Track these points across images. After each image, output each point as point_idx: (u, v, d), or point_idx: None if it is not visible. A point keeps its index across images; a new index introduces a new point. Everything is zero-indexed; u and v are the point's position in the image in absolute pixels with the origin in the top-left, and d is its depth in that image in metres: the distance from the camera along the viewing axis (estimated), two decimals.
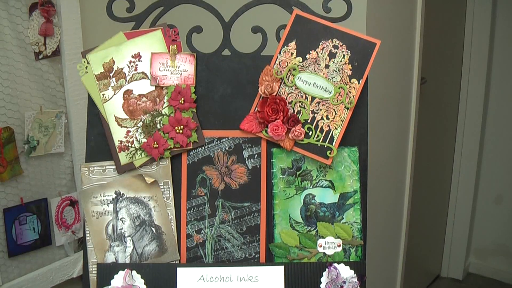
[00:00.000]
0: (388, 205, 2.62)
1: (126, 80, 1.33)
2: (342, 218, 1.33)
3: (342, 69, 1.31)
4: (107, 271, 1.30)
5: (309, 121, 1.31)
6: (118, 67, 1.33)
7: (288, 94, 1.32)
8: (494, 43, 3.55)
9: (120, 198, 1.31)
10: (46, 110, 1.91)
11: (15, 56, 1.77)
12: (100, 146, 1.33)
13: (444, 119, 3.56)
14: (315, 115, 1.31)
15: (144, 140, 1.32)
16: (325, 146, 1.31)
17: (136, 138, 1.32)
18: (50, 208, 1.94)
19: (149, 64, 1.34)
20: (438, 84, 3.27)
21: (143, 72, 1.33)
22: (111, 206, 1.32)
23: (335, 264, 1.30)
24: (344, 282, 1.30)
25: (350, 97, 1.31)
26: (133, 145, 1.32)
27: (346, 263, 1.31)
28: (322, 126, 1.31)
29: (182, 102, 1.31)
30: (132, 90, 1.33)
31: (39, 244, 1.93)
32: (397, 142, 2.62)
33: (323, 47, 1.32)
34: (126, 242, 1.31)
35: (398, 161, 2.66)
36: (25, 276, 1.89)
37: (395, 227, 2.77)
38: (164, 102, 1.33)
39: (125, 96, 1.33)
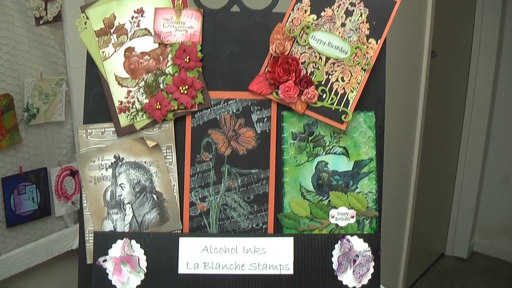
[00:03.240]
0: (395, 182, 2.53)
1: (127, 37, 1.22)
2: (356, 187, 1.21)
3: (359, 28, 1.19)
4: (105, 240, 1.20)
5: (323, 83, 1.20)
6: (119, 23, 1.22)
7: (301, 54, 1.20)
8: (505, 17, 3.45)
9: (120, 163, 1.20)
10: (46, 77, 1.82)
11: (15, 21, 1.68)
12: (98, 107, 1.23)
13: (453, 94, 3.49)
14: (330, 77, 1.19)
15: (146, 100, 1.21)
16: (340, 110, 1.19)
17: (138, 98, 1.21)
18: (49, 178, 1.85)
19: (152, 20, 1.22)
20: (448, 58, 3.19)
21: (146, 29, 1.23)
22: (110, 171, 1.21)
23: (348, 237, 1.18)
24: (357, 256, 1.18)
25: (367, 58, 1.19)
26: (134, 106, 1.21)
27: (359, 236, 1.19)
28: (337, 89, 1.19)
29: (187, 60, 1.19)
30: (134, 48, 1.23)
31: (38, 215, 1.84)
32: (405, 116, 2.54)
33: (339, 4, 1.20)
34: (125, 210, 1.20)
35: (405, 136, 2.58)
36: (24, 247, 1.81)
37: (401, 205, 2.70)
38: (168, 61, 1.22)
39: (127, 53, 1.23)
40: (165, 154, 1.22)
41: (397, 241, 2.78)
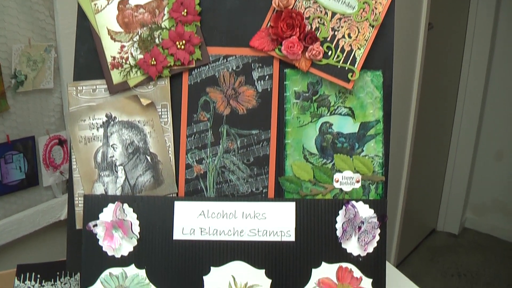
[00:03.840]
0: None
1: None
2: (362, 150, 1.14)
3: None
4: (95, 203, 1.12)
5: (328, 39, 1.12)
6: None
7: (305, 9, 1.12)
8: None
9: (112, 122, 1.13)
10: (34, 44, 1.74)
11: None
12: (90, 63, 1.16)
13: (448, 68, 3.45)
14: (336, 33, 1.12)
15: (141, 56, 1.14)
16: (346, 68, 1.11)
17: (132, 54, 1.14)
18: (37, 147, 1.77)
19: None
20: (444, 30, 3.14)
21: None
22: (101, 130, 1.14)
23: (353, 202, 1.11)
24: (363, 222, 1.11)
25: (376, 13, 1.11)
26: (127, 62, 1.14)
27: (365, 201, 1.12)
28: (343, 46, 1.12)
29: (185, 14, 1.12)
30: (128, 0, 1.15)
31: (25, 185, 1.76)
32: (401, 88, 2.47)
33: None
34: (117, 172, 1.12)
35: (400, 110, 2.53)
36: (10, 217, 1.74)
37: (395, 180, 2.66)
38: (164, 14, 1.15)
39: (120, 6, 1.15)
40: (160, 113, 1.15)
41: (389, 216, 2.72)
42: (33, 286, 1.28)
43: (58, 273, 1.31)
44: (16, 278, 1.29)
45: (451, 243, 3.79)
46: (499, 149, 3.68)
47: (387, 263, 1.15)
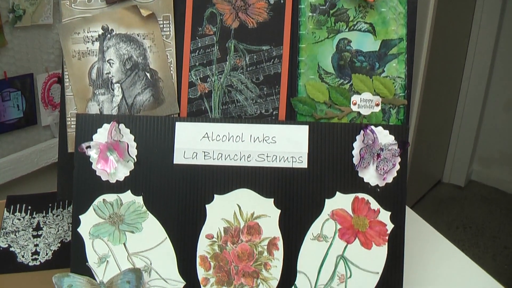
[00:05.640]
0: None
1: None
2: (383, 71, 1.01)
3: None
4: (89, 123, 1.00)
5: None
6: None
7: None
8: None
9: (108, 35, 1.00)
10: None
11: None
12: None
13: (460, 19, 3.31)
14: None
15: None
16: None
17: None
18: (36, 85, 1.70)
19: None
20: None
21: None
22: (97, 44, 1.02)
23: (372, 127, 0.98)
24: (382, 150, 0.97)
25: None
26: None
27: (385, 126, 0.99)
28: None
29: None
30: None
31: (23, 123, 1.68)
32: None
33: None
34: (113, 90, 1.00)
35: None
36: (8, 157, 1.72)
37: None
38: None
39: None
40: (161, 25, 1.03)
41: None
42: (23, 217, 1.17)
43: (50, 204, 1.20)
44: (5, 209, 1.17)
45: (456, 195, 3.70)
46: (508, 98, 3.55)
47: None
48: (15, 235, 1.14)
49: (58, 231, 1.16)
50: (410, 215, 1.30)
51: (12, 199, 1.20)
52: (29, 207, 1.19)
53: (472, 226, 3.37)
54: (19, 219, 1.16)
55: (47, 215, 1.18)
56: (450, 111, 3.69)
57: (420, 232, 1.29)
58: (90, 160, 0.98)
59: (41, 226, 1.16)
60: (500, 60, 3.52)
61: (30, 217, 1.17)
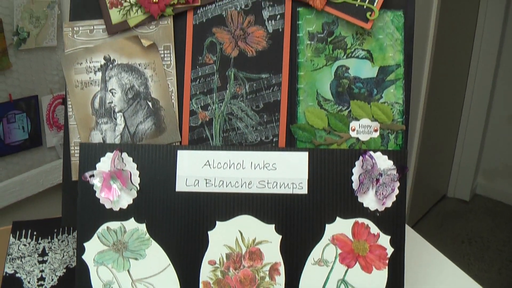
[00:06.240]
0: None
1: None
2: (381, 96, 1.02)
3: None
4: (93, 152, 1.01)
5: None
6: None
7: None
8: None
9: (110, 65, 1.01)
10: None
11: None
12: (87, 1, 1.04)
13: (462, 32, 3.33)
14: None
15: None
16: (365, 6, 1.00)
17: None
18: (41, 106, 1.69)
19: None
20: None
21: None
22: (99, 74, 1.03)
23: (371, 152, 0.99)
24: (381, 175, 0.98)
25: None
26: (127, 0, 1.04)
27: (383, 152, 1.00)
28: None
29: None
30: None
31: (28, 145, 1.69)
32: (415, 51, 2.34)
33: None
34: (116, 119, 1.01)
35: (414, 72, 2.40)
36: (13, 178, 1.66)
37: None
38: None
39: None
40: (162, 55, 1.04)
41: None
42: (29, 243, 1.17)
43: (55, 230, 1.21)
44: (11, 235, 1.18)
45: (461, 209, 3.70)
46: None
47: None
48: (21, 261, 1.15)
49: (63, 256, 1.17)
50: (411, 234, 1.30)
51: (18, 224, 1.21)
52: (35, 233, 1.19)
53: (477, 240, 3.37)
54: (25, 245, 1.17)
55: (53, 240, 1.19)
56: (454, 124, 3.69)
57: (421, 252, 1.30)
58: (94, 188, 1.00)
59: (47, 251, 1.17)
60: (503, 73, 3.53)
61: (36, 242, 1.18)
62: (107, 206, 1.00)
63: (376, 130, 1.04)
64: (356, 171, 1.00)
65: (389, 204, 1.01)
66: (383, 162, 1.01)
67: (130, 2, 1.02)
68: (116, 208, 1.00)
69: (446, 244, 3.27)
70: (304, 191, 1.00)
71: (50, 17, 1.66)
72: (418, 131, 2.64)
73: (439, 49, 2.72)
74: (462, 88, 3.62)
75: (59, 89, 1.73)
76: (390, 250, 1.01)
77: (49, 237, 1.20)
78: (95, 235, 1.00)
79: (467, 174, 3.75)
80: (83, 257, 1.00)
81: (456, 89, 3.57)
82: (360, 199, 1.01)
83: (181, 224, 1.00)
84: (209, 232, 1.00)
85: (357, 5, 1.01)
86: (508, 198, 3.72)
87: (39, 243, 1.18)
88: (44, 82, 1.71)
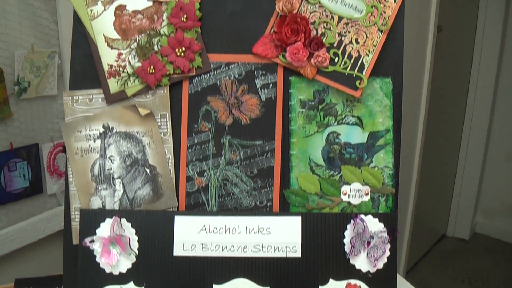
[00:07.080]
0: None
1: None
2: (371, 161, 1.05)
3: None
4: (92, 218, 1.04)
5: (335, 45, 1.03)
6: None
7: (310, 13, 1.03)
8: None
9: (109, 133, 1.04)
10: (38, 50, 1.69)
11: None
12: (86, 71, 1.07)
13: (458, 70, 3.37)
14: (343, 38, 1.02)
15: (139, 64, 1.06)
16: (354, 75, 1.02)
17: (129, 61, 1.07)
18: (41, 154, 1.71)
19: None
20: (453, 33, 3.06)
21: None
22: (98, 142, 1.06)
23: (362, 216, 1.02)
24: (372, 237, 1.01)
25: (384, 18, 1.02)
26: (125, 70, 1.07)
27: (374, 215, 1.03)
28: (350, 52, 1.02)
29: (185, 20, 1.04)
30: (125, 6, 1.07)
31: (29, 192, 1.70)
32: (410, 92, 2.38)
33: None
34: (115, 185, 1.04)
35: (409, 113, 2.43)
36: (15, 225, 1.67)
37: (404, 186, 2.57)
38: (163, 20, 1.07)
39: (117, 12, 1.07)
40: (159, 123, 1.07)
41: (399, 222, 2.64)
42: None
43: (57, 287, 1.22)
44: None
45: (461, 248, 3.69)
46: (510, 150, 3.56)
47: None
48: None
49: None
50: (403, 285, 1.32)
51: (20, 282, 1.23)
52: None
53: (477, 279, 3.36)
54: None
55: None
56: (452, 164, 3.71)
57: None
58: (94, 253, 1.03)
59: None
60: (500, 111, 3.56)
61: None
62: (107, 270, 1.03)
63: (367, 194, 1.07)
64: (348, 234, 1.03)
65: (380, 265, 1.04)
66: (374, 225, 1.04)
67: (127, 72, 1.05)
68: (116, 272, 1.02)
69: (447, 285, 3.26)
70: (298, 254, 1.03)
71: (50, 66, 1.69)
72: (416, 172, 2.69)
73: (435, 87, 2.75)
74: (459, 128, 3.65)
75: (60, 137, 1.76)
76: None
77: None
78: None
79: (466, 213, 3.75)
80: None
81: (453, 129, 3.60)
82: (352, 261, 1.04)
83: (178, 287, 1.02)
84: None
85: (346, 73, 1.04)
86: (508, 236, 3.72)
87: None
88: (45, 130, 1.74)
